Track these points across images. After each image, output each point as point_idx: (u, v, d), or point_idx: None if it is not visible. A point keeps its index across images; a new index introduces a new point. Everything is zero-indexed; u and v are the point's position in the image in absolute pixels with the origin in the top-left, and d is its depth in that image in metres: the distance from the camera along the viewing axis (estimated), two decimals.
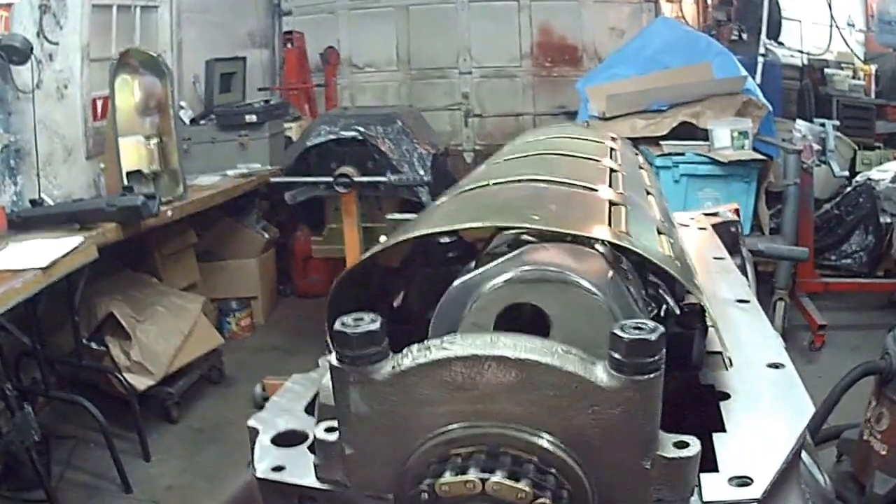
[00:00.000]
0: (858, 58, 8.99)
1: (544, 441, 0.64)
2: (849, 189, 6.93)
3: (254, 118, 6.11)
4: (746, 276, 2.03)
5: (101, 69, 5.11)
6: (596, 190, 1.05)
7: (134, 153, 4.68)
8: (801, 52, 8.85)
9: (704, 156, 5.53)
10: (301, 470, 0.79)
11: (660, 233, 1.03)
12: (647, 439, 0.66)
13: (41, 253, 3.67)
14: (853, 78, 8.71)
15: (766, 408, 0.94)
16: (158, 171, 4.90)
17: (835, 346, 5.59)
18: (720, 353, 1.06)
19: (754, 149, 5.63)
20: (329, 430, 0.73)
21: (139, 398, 4.49)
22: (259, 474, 0.81)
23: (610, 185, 1.12)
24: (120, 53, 4.72)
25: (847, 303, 6.50)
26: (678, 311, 0.96)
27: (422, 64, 8.44)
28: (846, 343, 5.58)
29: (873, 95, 8.63)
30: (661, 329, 0.63)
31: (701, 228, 2.16)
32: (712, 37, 7.30)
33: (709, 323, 0.90)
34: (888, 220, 6.43)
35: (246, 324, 6.30)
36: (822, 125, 6.59)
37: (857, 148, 7.89)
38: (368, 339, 0.65)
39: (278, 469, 0.80)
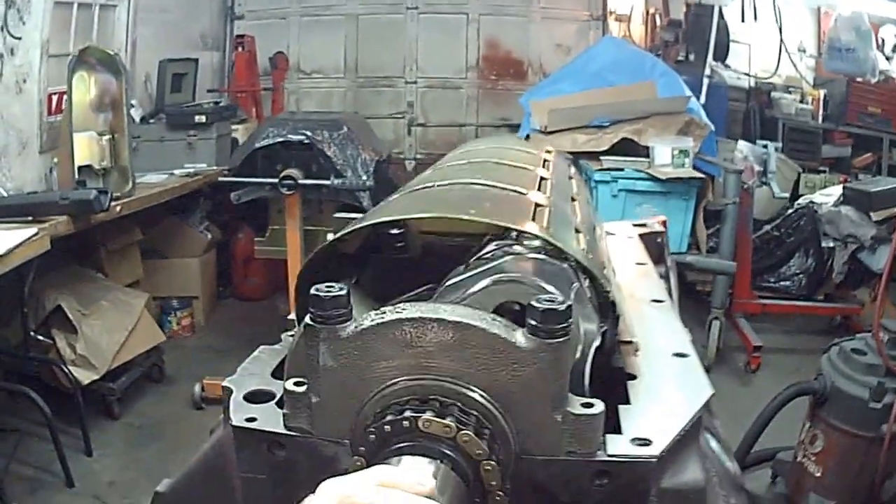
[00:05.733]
0: (808, 82, 9.17)
1: (470, 391, 0.80)
2: (790, 211, 7.00)
3: (203, 119, 6.16)
4: (669, 284, 2.19)
5: (57, 64, 5.11)
6: (525, 194, 1.23)
7: (86, 148, 4.72)
8: (749, 74, 9.01)
9: (644, 172, 5.56)
10: (271, 421, 0.94)
11: (577, 231, 1.20)
12: (557, 395, 0.82)
13: None
14: (801, 102, 8.87)
15: (669, 388, 1.09)
16: (108, 168, 4.95)
17: (772, 369, 5.56)
18: (631, 342, 1.22)
19: (695, 167, 5.66)
20: (298, 383, 0.88)
21: (81, 393, 4.52)
22: (234, 423, 0.95)
23: (539, 190, 1.30)
24: (79, 50, 4.74)
25: (786, 326, 6.52)
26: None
27: (368, 72, 8.52)
28: (783, 366, 5.53)
29: (820, 120, 8.78)
30: (570, 302, 0.79)
31: (628, 238, 2.33)
32: (659, 57, 7.34)
33: (617, 311, 1.06)
34: (830, 244, 6.41)
35: (187, 323, 6.36)
36: (765, 146, 6.72)
37: (801, 171, 8.07)
38: (337, 302, 0.81)
39: (251, 420, 0.95)
